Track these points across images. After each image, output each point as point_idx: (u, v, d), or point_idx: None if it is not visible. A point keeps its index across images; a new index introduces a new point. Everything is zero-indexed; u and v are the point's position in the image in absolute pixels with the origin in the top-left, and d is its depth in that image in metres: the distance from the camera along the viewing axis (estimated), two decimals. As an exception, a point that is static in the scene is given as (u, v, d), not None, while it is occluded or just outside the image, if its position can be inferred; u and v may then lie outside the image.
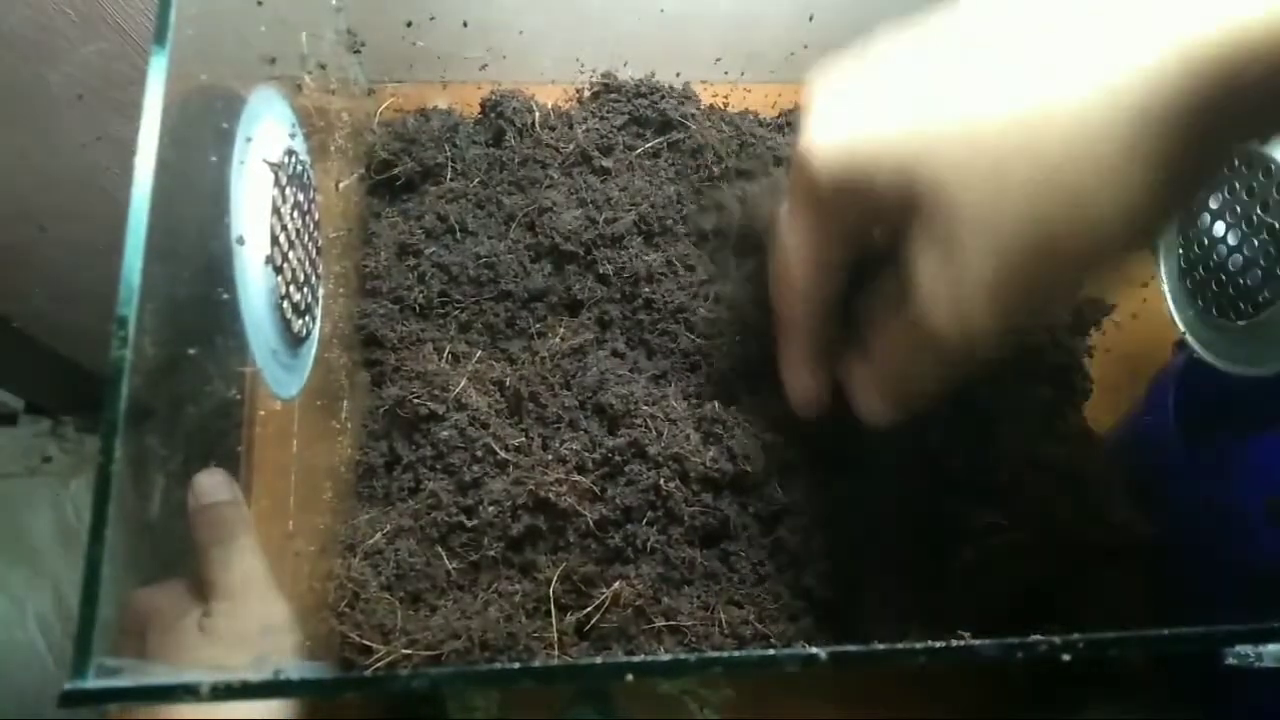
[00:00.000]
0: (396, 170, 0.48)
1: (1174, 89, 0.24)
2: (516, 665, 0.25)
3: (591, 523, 0.39)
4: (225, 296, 0.33)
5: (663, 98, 0.49)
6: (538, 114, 0.49)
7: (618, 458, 0.40)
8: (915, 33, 0.29)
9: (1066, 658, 0.27)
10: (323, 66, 0.44)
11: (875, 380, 0.34)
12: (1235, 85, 0.24)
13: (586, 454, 0.41)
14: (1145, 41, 0.24)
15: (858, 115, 0.29)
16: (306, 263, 0.40)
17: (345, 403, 0.43)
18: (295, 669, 0.31)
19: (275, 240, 0.36)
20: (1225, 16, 0.23)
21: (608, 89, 0.50)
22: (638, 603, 0.38)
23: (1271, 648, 0.30)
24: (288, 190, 0.38)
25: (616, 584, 0.38)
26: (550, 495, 0.40)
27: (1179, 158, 0.25)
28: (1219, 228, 0.44)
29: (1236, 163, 0.42)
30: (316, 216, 0.42)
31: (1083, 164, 0.25)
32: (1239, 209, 0.42)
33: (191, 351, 0.31)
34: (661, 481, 0.39)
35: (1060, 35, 0.25)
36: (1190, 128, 0.24)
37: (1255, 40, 0.23)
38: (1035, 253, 0.26)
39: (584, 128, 0.49)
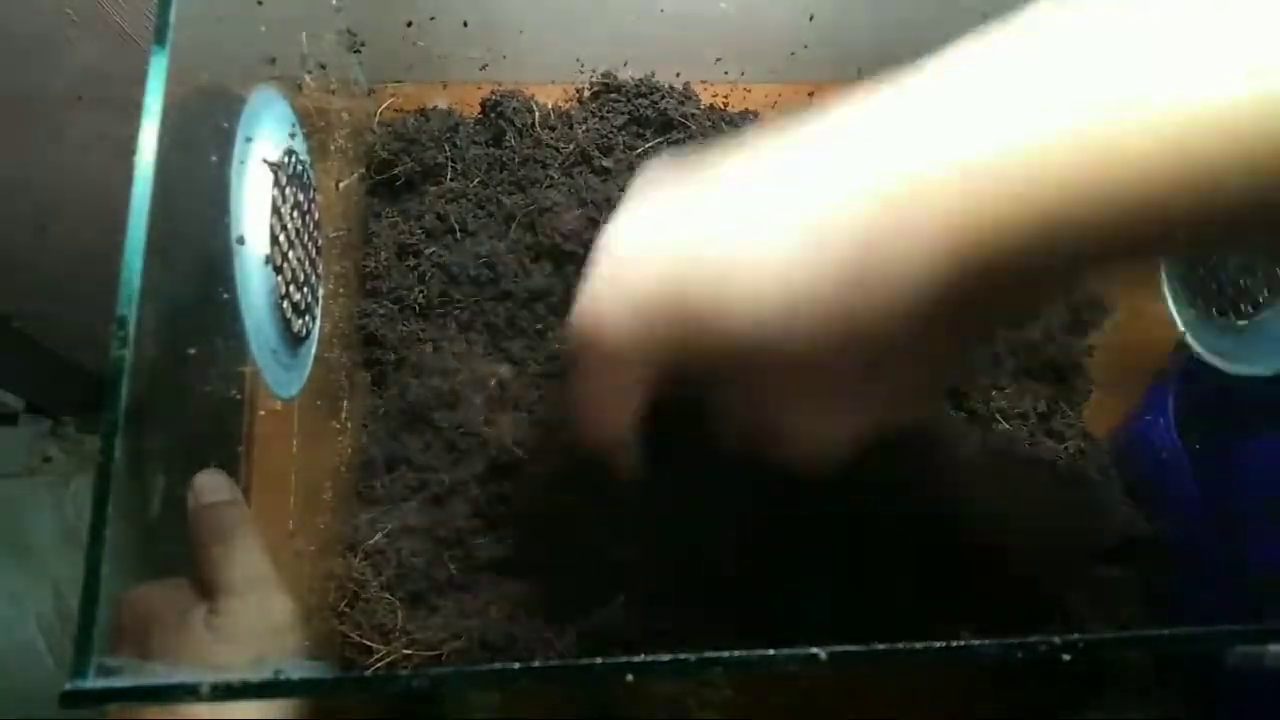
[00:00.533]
0: (396, 170, 0.48)
1: (932, 277, 0.24)
2: (516, 665, 0.25)
3: (593, 523, 0.39)
4: (225, 296, 0.33)
5: (663, 98, 0.49)
6: (538, 114, 0.49)
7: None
8: (692, 182, 0.29)
9: (1066, 658, 0.27)
10: (323, 66, 0.44)
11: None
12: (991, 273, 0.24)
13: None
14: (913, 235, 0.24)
15: (636, 277, 0.28)
16: (306, 263, 0.40)
17: (345, 403, 0.43)
18: (295, 669, 0.31)
19: (275, 240, 0.36)
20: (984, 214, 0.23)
21: (608, 89, 0.50)
22: (638, 608, 0.38)
23: (1272, 648, 0.30)
24: (288, 190, 0.38)
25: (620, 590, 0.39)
26: (555, 493, 0.40)
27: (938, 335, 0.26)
28: (1219, 228, 0.44)
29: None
30: (316, 216, 0.42)
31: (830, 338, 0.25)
32: (1239, 209, 0.42)
33: (191, 351, 0.31)
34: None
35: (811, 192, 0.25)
36: (942, 312, 0.24)
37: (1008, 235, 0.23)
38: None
39: (584, 128, 0.49)
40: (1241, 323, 0.42)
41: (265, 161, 0.36)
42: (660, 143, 0.49)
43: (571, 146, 0.48)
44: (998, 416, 0.44)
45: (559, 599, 0.39)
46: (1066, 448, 0.44)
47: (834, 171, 0.25)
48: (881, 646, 0.27)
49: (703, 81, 0.53)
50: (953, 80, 0.24)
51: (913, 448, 0.42)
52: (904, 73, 0.25)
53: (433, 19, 0.51)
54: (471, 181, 0.48)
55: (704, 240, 0.27)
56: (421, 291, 0.45)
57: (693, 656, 0.25)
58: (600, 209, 0.46)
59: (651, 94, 0.50)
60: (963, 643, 0.27)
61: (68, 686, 0.24)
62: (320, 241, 0.42)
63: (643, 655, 0.24)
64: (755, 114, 0.52)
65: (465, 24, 0.52)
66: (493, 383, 0.43)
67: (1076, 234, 0.23)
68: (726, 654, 0.25)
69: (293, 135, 0.40)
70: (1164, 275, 0.48)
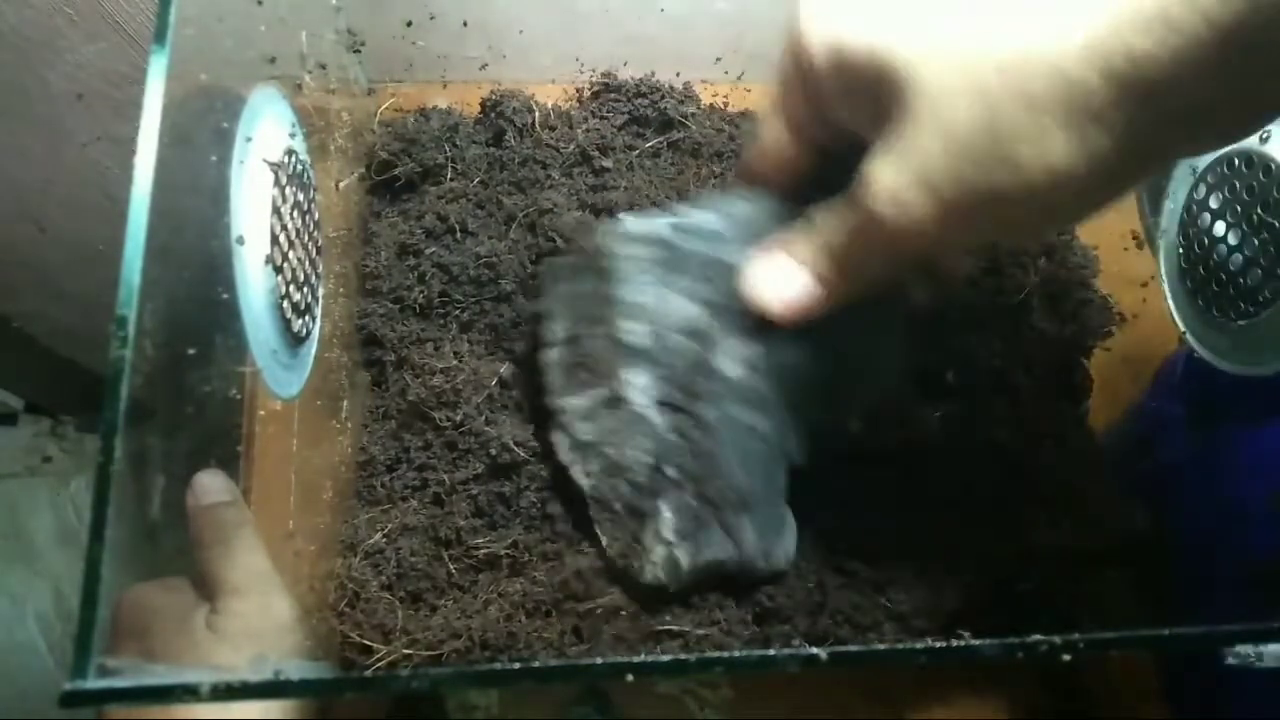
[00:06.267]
0: (396, 170, 0.48)
1: (1149, 56, 0.23)
2: (516, 665, 0.25)
3: (594, 523, 0.39)
4: (225, 296, 0.33)
5: (663, 97, 0.49)
6: (538, 114, 0.49)
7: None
8: None
9: (1067, 658, 0.27)
10: (323, 66, 0.44)
11: (811, 250, 0.34)
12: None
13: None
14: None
15: (856, 9, 0.29)
16: (306, 263, 0.40)
17: (345, 403, 0.43)
18: (295, 669, 0.31)
19: (275, 240, 0.36)
20: None
21: (608, 89, 0.50)
22: (638, 608, 0.38)
23: (1272, 647, 0.30)
24: (288, 190, 0.38)
25: (616, 590, 0.39)
26: (554, 495, 0.40)
27: (1144, 129, 0.25)
28: (1219, 228, 0.44)
29: (1236, 162, 0.42)
30: (316, 216, 0.42)
31: (1050, 113, 0.25)
32: (1239, 209, 0.42)
33: (191, 351, 0.31)
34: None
35: None
36: (1158, 100, 0.24)
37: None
38: (983, 188, 0.27)
39: (584, 128, 0.49)
40: (1241, 323, 0.42)
41: (265, 161, 0.36)
42: (660, 142, 0.49)
43: (571, 146, 0.48)
44: (998, 417, 0.44)
45: (560, 600, 0.39)
46: (1066, 448, 0.44)
47: None
48: (881, 647, 0.27)
49: (703, 81, 0.53)
50: None
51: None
52: None
53: (433, 19, 0.51)
54: (471, 181, 0.48)
55: (959, 14, 0.26)
56: (421, 291, 0.45)
57: (693, 657, 0.25)
58: (600, 209, 0.46)
59: (651, 94, 0.50)
60: (963, 643, 0.27)
61: (67, 686, 0.24)
62: (320, 241, 0.42)
63: (643, 655, 0.24)
64: (755, 114, 0.52)
65: (465, 24, 0.52)
66: (493, 382, 0.43)
67: None
68: (726, 654, 0.25)
69: (293, 135, 0.40)
70: (1164, 275, 0.48)
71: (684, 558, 0.37)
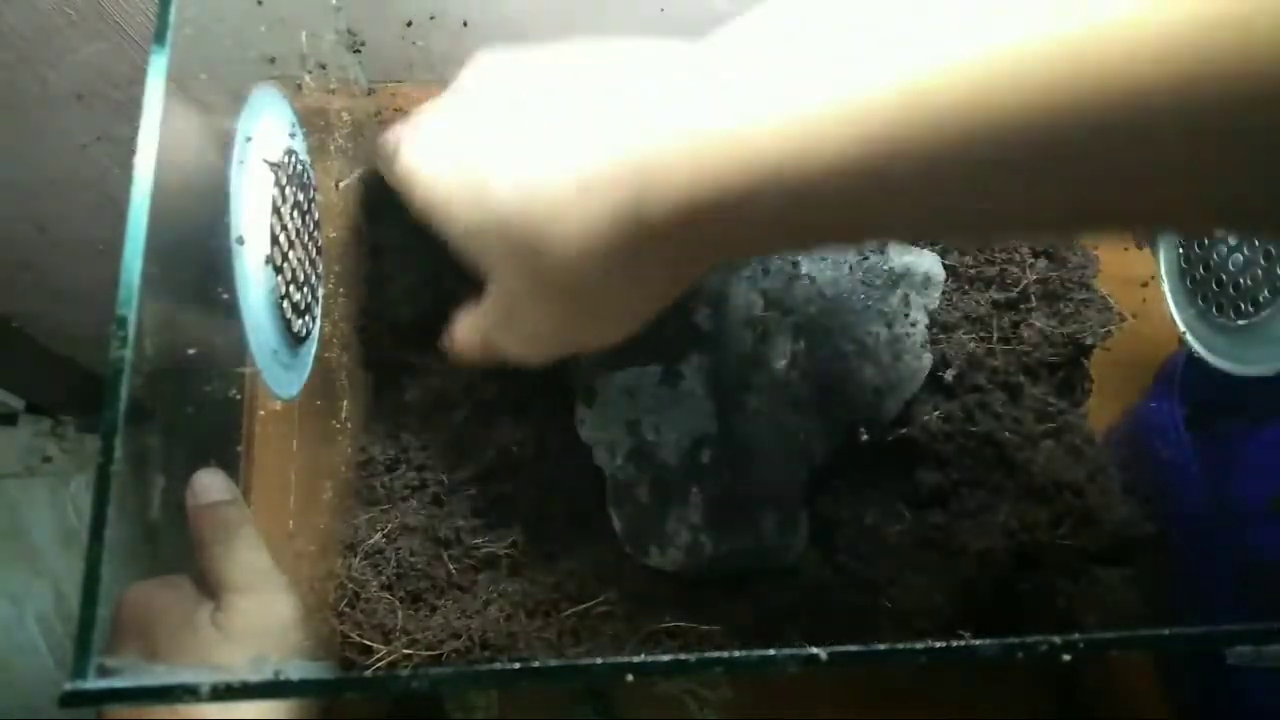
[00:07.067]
0: (396, 170, 0.48)
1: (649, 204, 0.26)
2: (516, 665, 0.25)
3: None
4: (225, 296, 0.33)
5: (663, 97, 0.49)
6: (538, 114, 0.49)
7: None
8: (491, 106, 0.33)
9: (1067, 658, 0.27)
10: (323, 66, 0.44)
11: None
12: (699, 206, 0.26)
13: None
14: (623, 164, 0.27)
15: (432, 178, 0.33)
16: (306, 263, 0.40)
17: (345, 403, 0.43)
18: (295, 669, 0.31)
19: (275, 240, 0.36)
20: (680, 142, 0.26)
21: (608, 89, 0.50)
22: (637, 608, 0.38)
23: (1272, 648, 0.30)
24: (288, 190, 0.38)
25: (615, 590, 0.38)
26: (553, 495, 0.40)
27: (658, 269, 0.28)
28: (1219, 227, 0.44)
29: (1236, 162, 0.42)
30: (316, 216, 0.42)
31: (568, 269, 0.28)
32: (1239, 209, 0.42)
33: (191, 351, 0.31)
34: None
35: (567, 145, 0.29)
36: (670, 243, 0.27)
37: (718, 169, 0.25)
38: (534, 326, 0.32)
39: (584, 127, 0.49)
40: (1241, 323, 0.42)
41: (265, 161, 0.36)
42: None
43: (571, 146, 0.48)
44: (997, 416, 0.44)
45: (561, 599, 0.39)
46: (1066, 448, 0.44)
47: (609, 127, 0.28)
48: (882, 646, 0.27)
49: (703, 81, 0.53)
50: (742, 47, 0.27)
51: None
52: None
53: (433, 19, 0.51)
54: (471, 181, 0.48)
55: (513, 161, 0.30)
56: (421, 291, 0.45)
57: (693, 657, 0.25)
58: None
59: (651, 94, 0.49)
60: (963, 643, 0.27)
61: (67, 687, 0.24)
62: (320, 241, 0.42)
63: (643, 655, 0.24)
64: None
65: (465, 24, 0.52)
66: (493, 382, 0.43)
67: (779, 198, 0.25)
68: (726, 654, 0.25)
69: (293, 135, 0.40)
70: (1164, 275, 0.48)
71: (709, 544, 0.37)
